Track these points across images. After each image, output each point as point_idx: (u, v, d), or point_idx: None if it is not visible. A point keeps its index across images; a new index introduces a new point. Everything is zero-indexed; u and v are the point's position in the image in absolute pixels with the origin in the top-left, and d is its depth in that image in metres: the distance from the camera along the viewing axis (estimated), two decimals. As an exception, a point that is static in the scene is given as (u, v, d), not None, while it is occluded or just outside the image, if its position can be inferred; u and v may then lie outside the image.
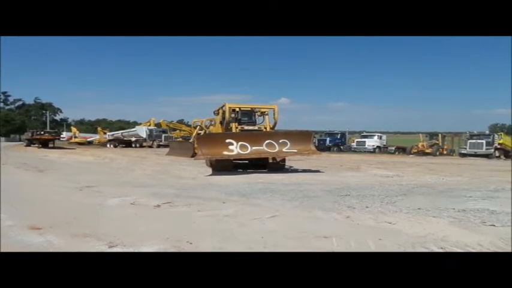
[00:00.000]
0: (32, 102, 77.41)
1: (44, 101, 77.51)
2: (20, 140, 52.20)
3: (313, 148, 13.32)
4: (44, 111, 76.02)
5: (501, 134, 30.57)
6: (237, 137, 12.40)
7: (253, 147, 12.23)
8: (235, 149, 12.08)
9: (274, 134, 13.01)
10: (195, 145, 15.96)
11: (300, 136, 13.34)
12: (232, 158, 12.41)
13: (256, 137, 12.66)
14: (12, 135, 65.41)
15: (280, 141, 12.48)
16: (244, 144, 12.14)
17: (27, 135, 40.47)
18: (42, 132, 37.81)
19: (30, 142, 36.82)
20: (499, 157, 26.89)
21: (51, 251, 3.93)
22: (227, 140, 12.16)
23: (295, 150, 12.71)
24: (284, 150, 12.52)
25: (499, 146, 27.94)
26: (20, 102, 76.61)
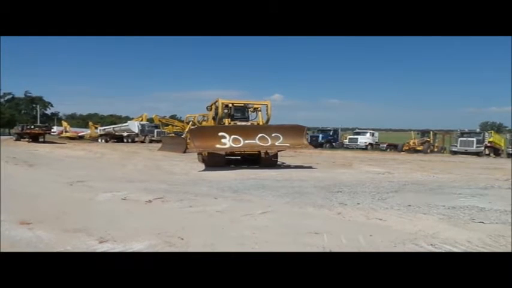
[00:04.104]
0: (22, 95, 76.22)
1: (34, 95, 76.34)
2: (9, 134, 51.57)
3: (306, 142, 13.35)
4: (34, 105, 74.78)
5: (491, 132, 30.93)
6: (230, 130, 12.38)
7: (246, 141, 12.22)
8: (227, 142, 12.07)
9: (267, 128, 13.00)
10: (188, 140, 15.89)
11: (292, 130, 13.32)
12: (224, 152, 12.39)
13: (249, 130, 12.65)
14: (1, 129, 64.53)
15: (273, 135, 12.48)
16: (237, 138, 12.12)
17: (17, 129, 39.98)
18: (32, 127, 37.45)
19: (20, 136, 36.36)
20: (488, 155, 27.21)
21: (44, 250, 3.89)
22: (220, 133, 12.13)
23: (288, 144, 12.72)
24: (277, 144, 12.52)
25: (489, 144, 28.26)
26: (10, 96, 75.23)
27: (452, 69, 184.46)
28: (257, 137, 12.35)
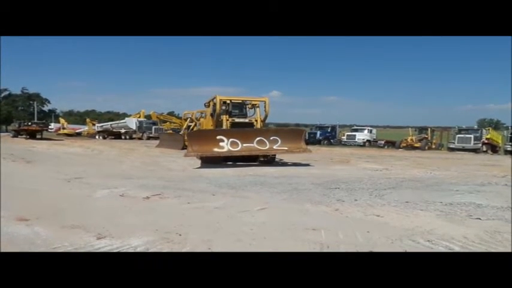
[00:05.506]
0: (18, 92, 75.77)
1: (31, 92, 75.89)
2: (6, 131, 51.36)
3: (304, 146, 13.32)
4: (31, 102, 74.30)
5: (489, 129, 31.03)
6: (228, 133, 12.35)
7: (244, 144, 12.21)
8: (225, 145, 12.05)
9: (265, 131, 13.00)
10: (185, 138, 15.87)
11: (291, 133, 13.36)
12: (222, 155, 12.38)
13: (247, 134, 12.59)
14: (-1, 127, 64.27)
15: (271, 138, 12.45)
16: (235, 141, 12.10)
17: (14, 126, 39.84)
18: (29, 123, 37.24)
19: (17, 133, 36.22)
20: (486, 152, 27.29)
21: (42, 246, 3.90)
22: (218, 137, 12.11)
23: (286, 148, 12.69)
24: (275, 147, 12.51)
25: (486, 141, 28.34)
26: (6, 93, 74.51)
27: (451, 68, 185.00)
28: (255, 141, 12.32)
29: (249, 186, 8.04)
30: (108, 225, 4.54)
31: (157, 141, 26.73)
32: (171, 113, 56.16)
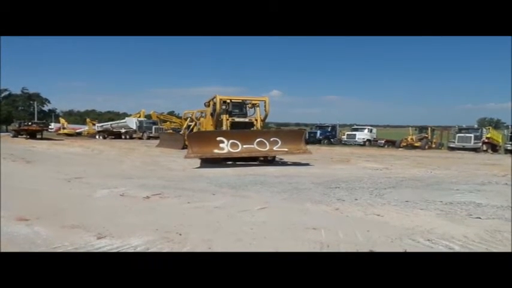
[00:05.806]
0: (19, 92, 75.74)
1: (31, 91, 75.93)
2: (7, 131, 51.35)
3: (305, 147, 13.31)
4: (31, 102, 74.35)
5: (489, 128, 31.01)
6: (228, 135, 12.35)
7: (244, 146, 12.21)
8: (225, 147, 12.06)
9: (265, 132, 13.03)
10: (186, 138, 15.85)
11: (291, 134, 13.37)
12: (222, 157, 12.40)
13: (247, 135, 12.60)
14: (-1, 126, 64.20)
15: (271, 139, 12.46)
16: (235, 143, 12.11)
17: (14, 126, 39.85)
18: (29, 123, 37.22)
19: (17, 133, 36.24)
20: (486, 151, 27.28)
21: (42, 246, 3.90)
22: (218, 138, 12.11)
23: (286, 149, 12.70)
24: (275, 148, 12.52)
25: (486, 140, 28.33)
26: (7, 93, 74.54)
27: (451, 67, 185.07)
28: (255, 142, 12.33)
29: (249, 185, 8.04)
30: (108, 225, 4.54)
31: (157, 141, 26.73)
32: (171, 113, 56.18)
